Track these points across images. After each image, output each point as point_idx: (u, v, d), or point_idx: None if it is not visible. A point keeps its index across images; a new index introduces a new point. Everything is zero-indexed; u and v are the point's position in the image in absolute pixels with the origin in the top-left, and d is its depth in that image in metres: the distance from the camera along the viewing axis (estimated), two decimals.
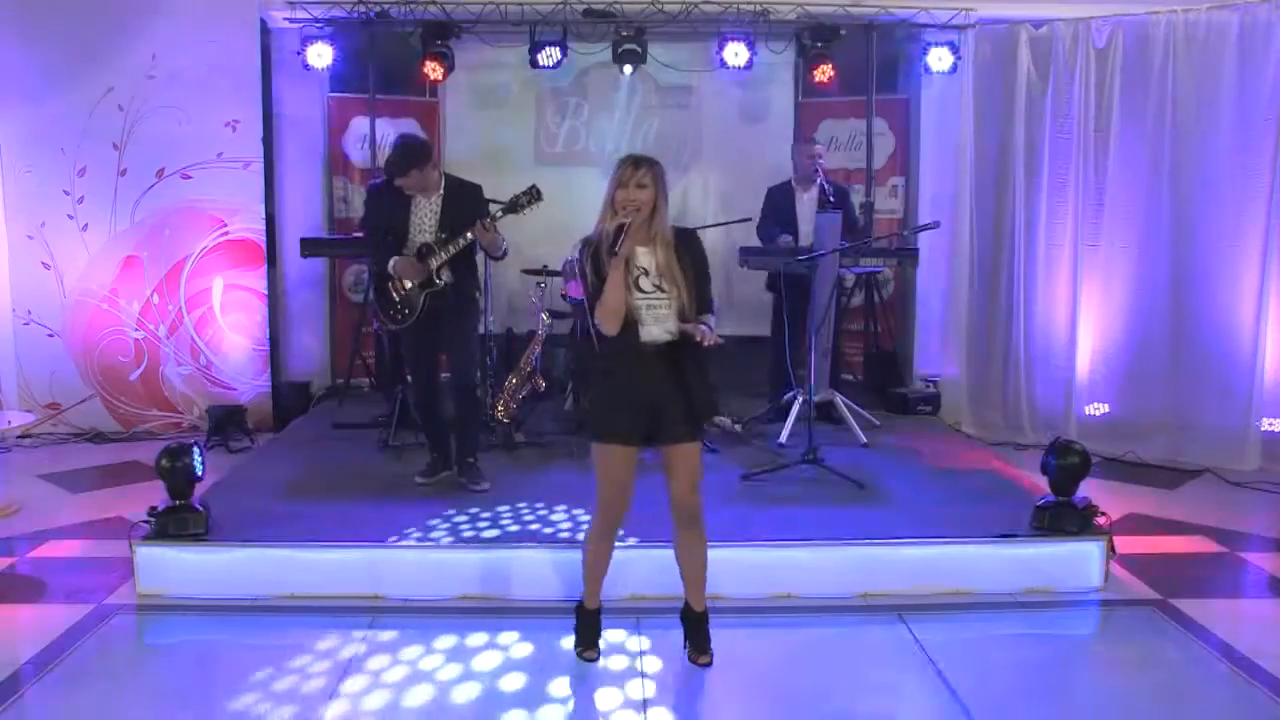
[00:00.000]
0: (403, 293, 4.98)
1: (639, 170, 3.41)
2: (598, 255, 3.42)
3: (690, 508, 3.53)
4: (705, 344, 3.38)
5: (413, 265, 4.92)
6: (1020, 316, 6.79)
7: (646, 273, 3.44)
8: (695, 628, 3.68)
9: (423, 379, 5.19)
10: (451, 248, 4.87)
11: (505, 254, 5.13)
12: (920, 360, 7.50)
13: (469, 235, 4.84)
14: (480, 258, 5.20)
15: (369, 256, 5.13)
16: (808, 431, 5.42)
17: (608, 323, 3.40)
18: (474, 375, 5.24)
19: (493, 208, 4.98)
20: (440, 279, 4.94)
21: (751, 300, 7.14)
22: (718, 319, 3.55)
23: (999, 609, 4.23)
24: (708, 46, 7.41)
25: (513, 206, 4.89)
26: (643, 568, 4.13)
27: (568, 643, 3.80)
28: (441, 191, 4.97)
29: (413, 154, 4.88)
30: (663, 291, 3.43)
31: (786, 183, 6.80)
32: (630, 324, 3.41)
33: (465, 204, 4.96)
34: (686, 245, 3.50)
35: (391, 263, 4.94)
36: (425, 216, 4.96)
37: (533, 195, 4.90)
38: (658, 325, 3.43)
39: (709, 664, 3.65)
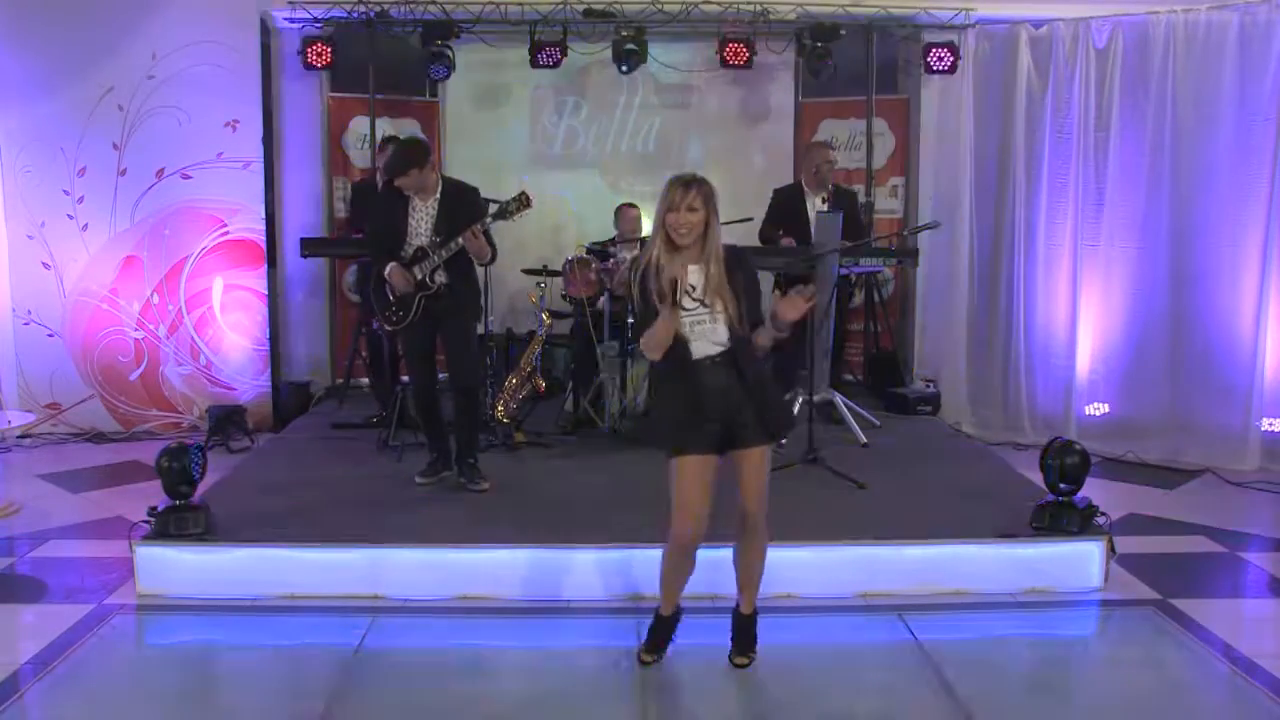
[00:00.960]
0: (397, 295, 4.99)
1: (689, 193, 3.36)
2: (645, 279, 3.41)
3: (756, 516, 3.51)
4: (796, 315, 3.34)
5: (405, 276, 4.91)
6: (1020, 316, 6.79)
7: (692, 290, 3.41)
8: (743, 630, 3.67)
9: (420, 379, 5.19)
10: (445, 252, 4.87)
11: (493, 260, 5.12)
12: (920, 360, 7.50)
13: (459, 241, 4.83)
14: None
15: (367, 257, 5.13)
16: (808, 431, 5.42)
17: (650, 353, 3.42)
18: (474, 375, 5.23)
19: (494, 200, 4.99)
20: (434, 282, 4.93)
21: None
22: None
23: (999, 609, 4.22)
24: (708, 46, 7.41)
25: (502, 213, 4.89)
26: (642, 568, 4.13)
27: (568, 642, 3.79)
28: (438, 194, 4.96)
29: (411, 154, 4.87)
30: (705, 306, 3.40)
31: (795, 184, 6.78)
32: (680, 341, 3.40)
33: (462, 206, 4.95)
34: (738, 263, 3.47)
35: (388, 270, 4.94)
36: (422, 219, 4.96)
37: (522, 201, 4.90)
38: (705, 340, 3.42)
39: (746, 666, 3.64)
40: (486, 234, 4.90)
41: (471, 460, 5.15)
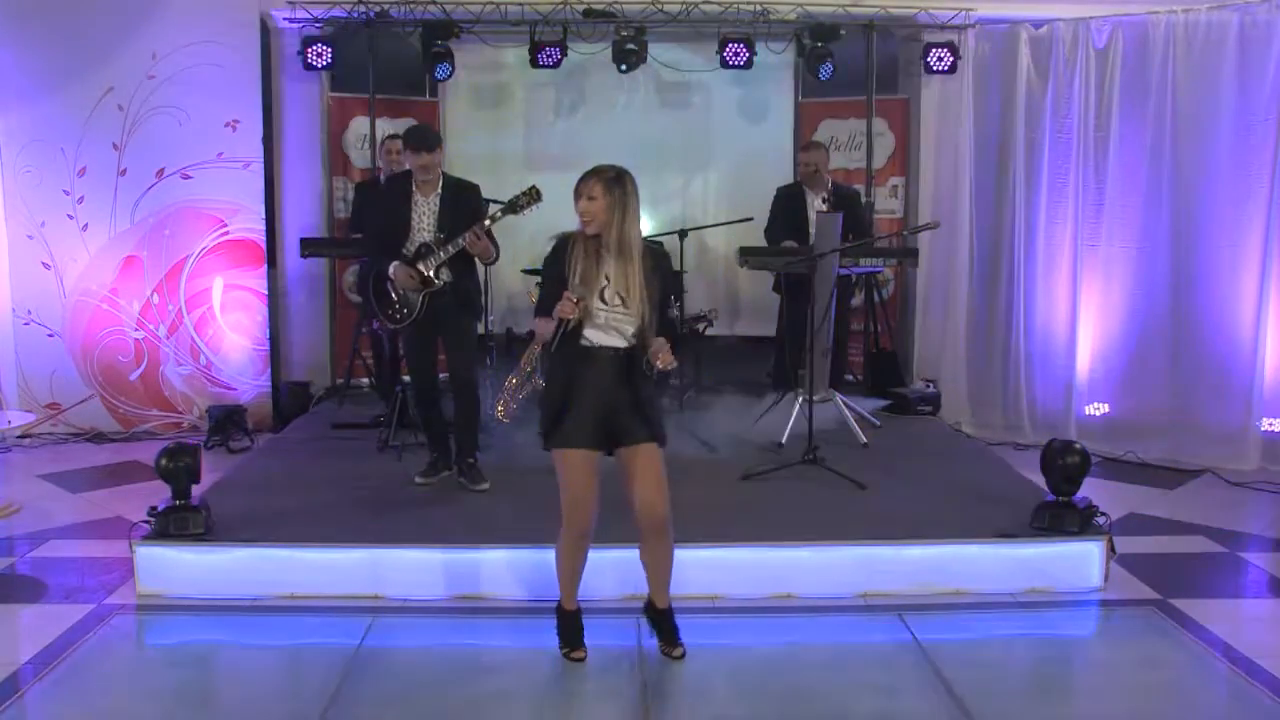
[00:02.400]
0: (400, 293, 4.99)
1: (588, 182, 3.46)
2: (561, 258, 3.49)
3: (657, 514, 3.53)
4: (663, 366, 3.41)
5: (408, 273, 4.92)
6: (1020, 316, 6.79)
7: (608, 280, 3.46)
8: (664, 624, 3.73)
9: (421, 378, 5.20)
10: (451, 248, 4.88)
11: (497, 259, 5.14)
12: (920, 360, 7.50)
13: (461, 242, 4.83)
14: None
15: (367, 254, 5.16)
16: (808, 431, 5.42)
17: (545, 335, 3.53)
18: (474, 374, 5.24)
19: (492, 208, 4.98)
20: (439, 279, 4.94)
21: (758, 301, 7.14)
22: (680, 345, 3.65)
23: (999, 609, 4.23)
24: (708, 46, 7.41)
25: (512, 207, 4.89)
26: (640, 567, 4.12)
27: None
28: (439, 191, 4.99)
29: (435, 134, 5.04)
30: (626, 307, 3.45)
31: (797, 184, 6.79)
32: (577, 331, 3.45)
33: (464, 204, 4.99)
34: (655, 264, 3.53)
35: (391, 268, 4.95)
36: (424, 215, 4.98)
37: (532, 195, 4.90)
38: (613, 333, 3.46)
39: (683, 656, 3.69)
40: (489, 233, 4.91)
41: (471, 460, 5.15)
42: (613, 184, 3.44)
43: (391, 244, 4.99)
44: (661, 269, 3.57)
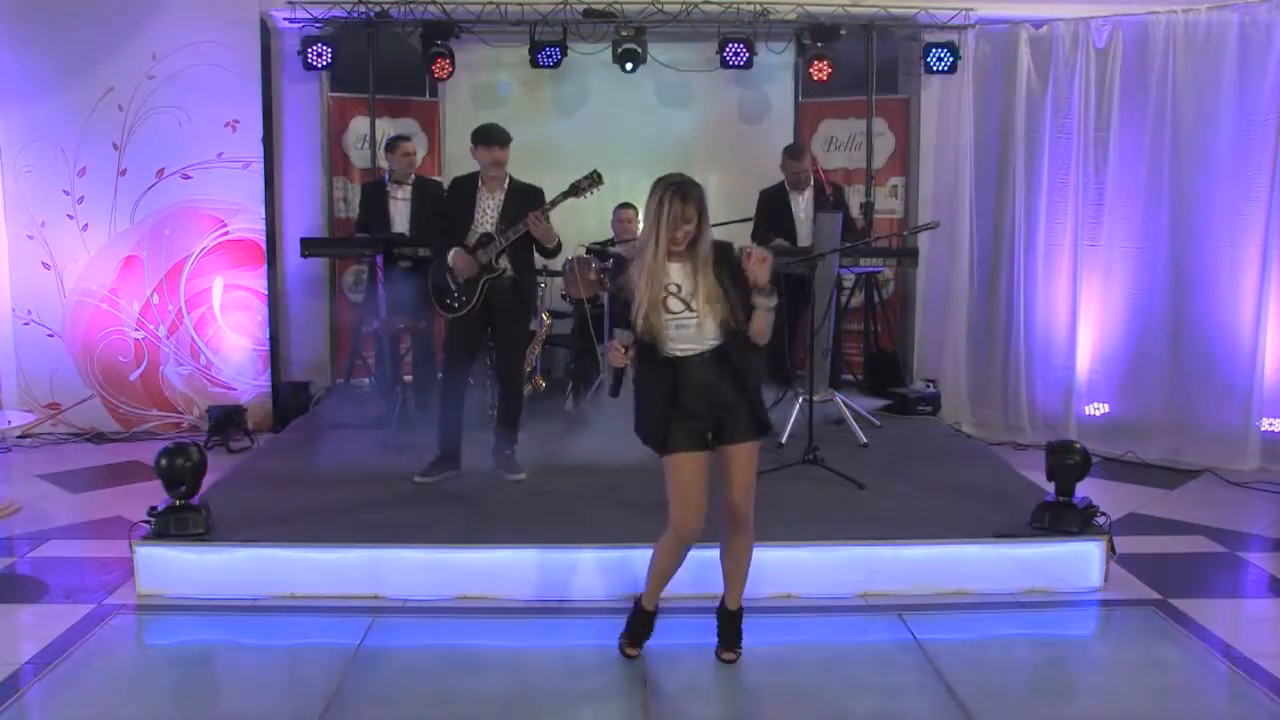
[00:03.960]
0: (459, 281, 5.09)
1: (688, 205, 3.35)
2: (626, 282, 3.45)
3: (742, 513, 3.53)
4: (753, 274, 3.34)
5: (468, 260, 5.04)
6: (1020, 316, 6.79)
7: (678, 289, 3.42)
8: (728, 625, 3.71)
9: (456, 372, 5.24)
10: (512, 233, 4.98)
11: (559, 248, 5.21)
12: (920, 360, 7.50)
13: (522, 227, 4.96)
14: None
15: (427, 247, 5.33)
16: (808, 431, 5.42)
17: (614, 360, 3.51)
18: (522, 372, 5.38)
19: (554, 194, 5.10)
20: (499, 265, 5.05)
21: None
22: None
23: (999, 609, 4.22)
24: (708, 46, 7.40)
25: (574, 190, 5.03)
26: (642, 567, 4.12)
27: (568, 642, 3.79)
28: (505, 189, 5.11)
29: (506, 132, 5.09)
30: (690, 310, 3.41)
31: (779, 185, 6.80)
32: (655, 341, 3.42)
33: (528, 204, 5.07)
34: (724, 259, 3.46)
35: (451, 254, 5.06)
36: (488, 210, 5.11)
37: (594, 179, 5.05)
38: (691, 340, 3.43)
39: (733, 661, 3.68)
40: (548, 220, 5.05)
41: (509, 452, 5.24)
42: (703, 199, 3.39)
43: (454, 237, 5.10)
44: (728, 259, 3.46)
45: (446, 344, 5.35)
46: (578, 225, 7.66)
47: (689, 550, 3.57)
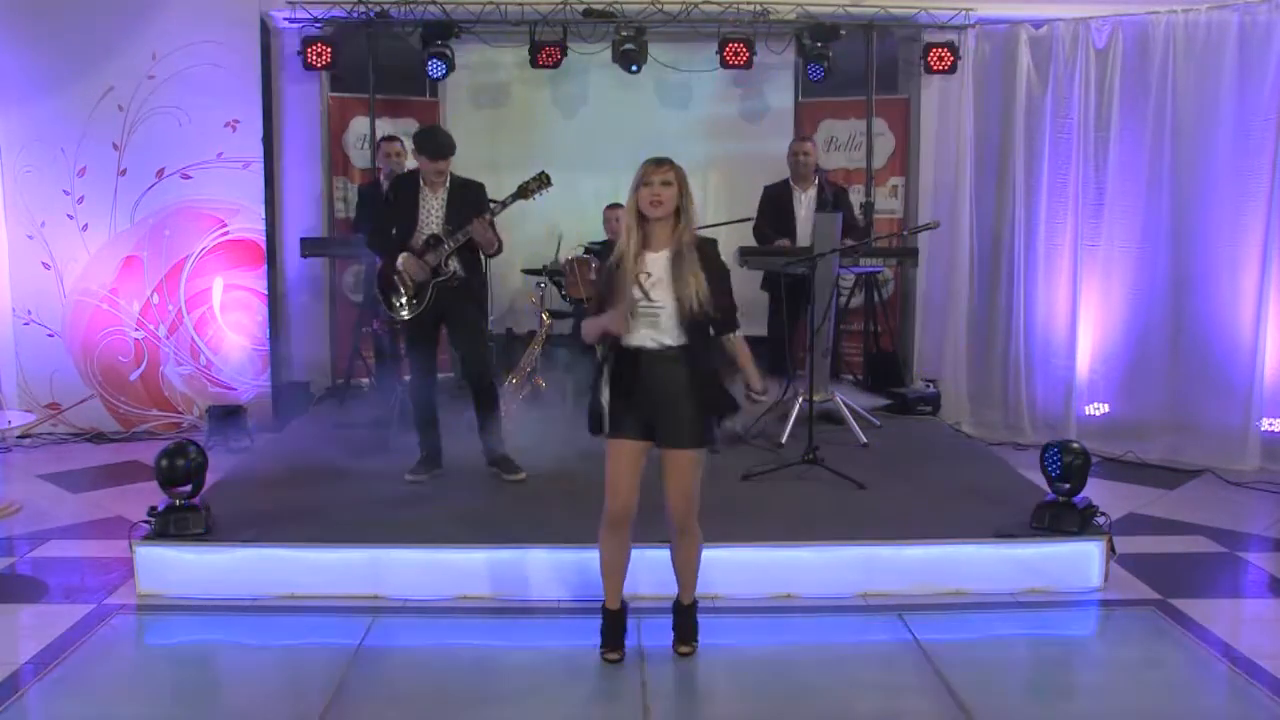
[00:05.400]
0: (409, 284, 5.08)
1: (662, 168, 3.46)
2: (611, 276, 3.51)
3: (680, 516, 3.57)
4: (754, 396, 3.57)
5: (418, 264, 5.03)
6: (1020, 316, 6.79)
7: (649, 276, 3.45)
8: (682, 620, 3.75)
9: (420, 374, 5.26)
10: (460, 236, 4.98)
11: (499, 251, 5.22)
12: (920, 360, 7.50)
13: (469, 230, 4.95)
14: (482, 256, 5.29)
15: (377, 250, 5.26)
16: (808, 431, 5.42)
17: (587, 336, 3.55)
18: (489, 368, 5.33)
19: (504, 195, 5.10)
20: (449, 268, 5.04)
21: (759, 300, 7.12)
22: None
23: (999, 609, 4.23)
24: (708, 46, 7.41)
25: (522, 192, 5.02)
26: (642, 568, 4.12)
27: (568, 642, 3.79)
28: (447, 187, 5.09)
29: (450, 143, 5.09)
30: (650, 300, 3.45)
31: (784, 182, 6.80)
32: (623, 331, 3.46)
33: (470, 199, 5.09)
34: (709, 259, 3.50)
35: (400, 259, 5.06)
36: (432, 210, 5.09)
37: (542, 180, 5.01)
38: (657, 330, 3.45)
39: (689, 654, 3.71)
40: (492, 224, 5.03)
41: (502, 453, 5.22)
42: (684, 177, 3.49)
43: (399, 239, 5.08)
44: (713, 261, 3.52)
45: (406, 348, 5.38)
46: (579, 227, 7.67)
47: (628, 539, 3.60)
